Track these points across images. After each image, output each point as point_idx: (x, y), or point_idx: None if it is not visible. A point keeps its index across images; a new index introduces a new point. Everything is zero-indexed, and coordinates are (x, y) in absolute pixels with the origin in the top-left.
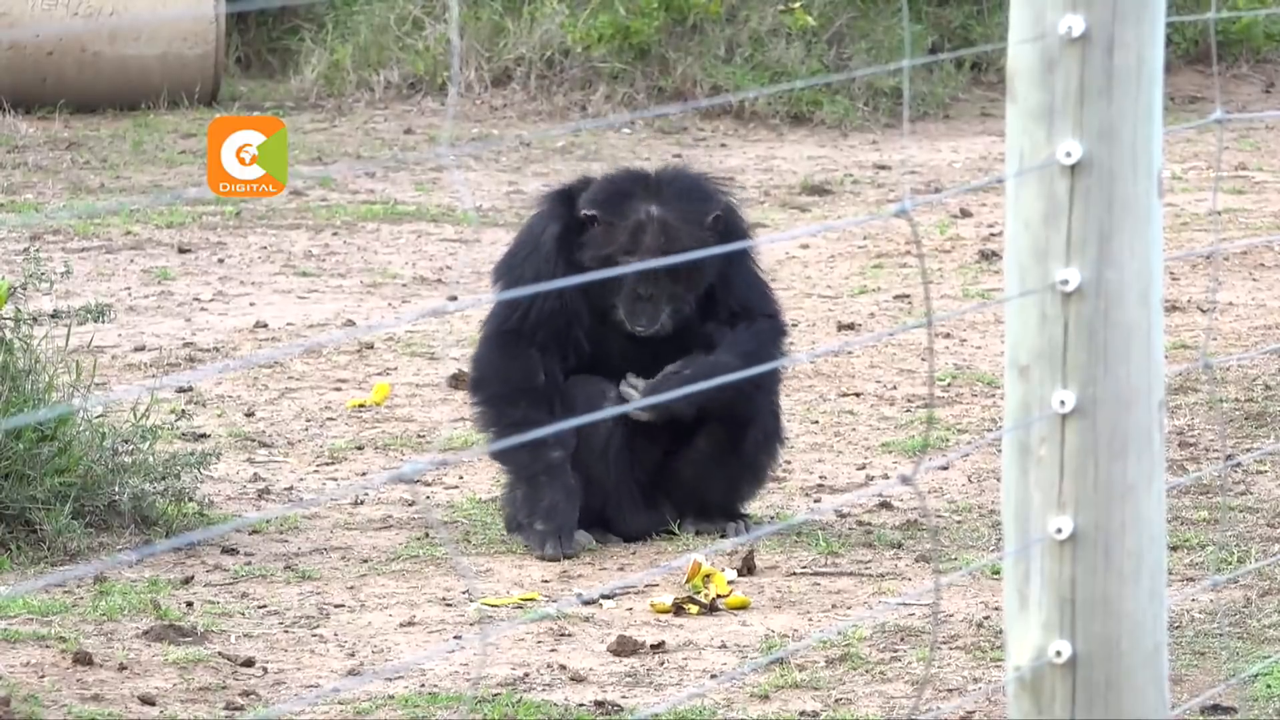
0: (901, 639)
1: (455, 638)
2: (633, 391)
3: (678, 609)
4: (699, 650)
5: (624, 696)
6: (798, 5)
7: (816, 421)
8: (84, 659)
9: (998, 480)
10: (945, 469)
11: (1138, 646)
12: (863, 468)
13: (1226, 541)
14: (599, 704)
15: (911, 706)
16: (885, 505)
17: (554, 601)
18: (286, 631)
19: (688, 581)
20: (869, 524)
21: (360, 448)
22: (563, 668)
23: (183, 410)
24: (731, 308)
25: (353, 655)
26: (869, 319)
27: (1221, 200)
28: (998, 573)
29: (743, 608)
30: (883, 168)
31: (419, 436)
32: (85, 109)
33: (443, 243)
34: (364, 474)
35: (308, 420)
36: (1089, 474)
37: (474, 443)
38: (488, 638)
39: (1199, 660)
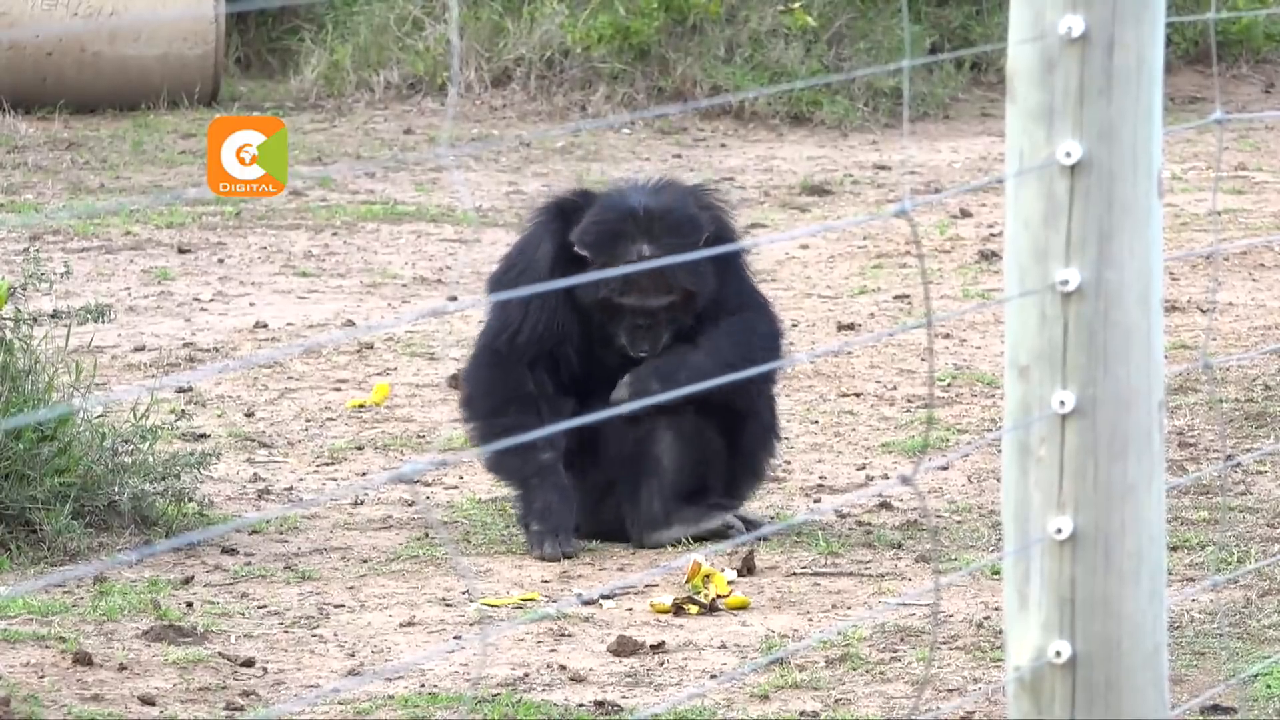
0: (901, 639)
1: (455, 638)
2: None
3: (678, 609)
4: (699, 650)
5: (624, 697)
6: (797, 5)
7: (816, 421)
8: (84, 659)
9: (998, 480)
10: (945, 469)
11: (1138, 647)
12: (863, 468)
13: (1226, 542)
14: (599, 704)
15: (911, 707)
16: (885, 505)
17: (554, 602)
18: (286, 632)
19: (688, 582)
20: (869, 524)
21: (360, 448)
22: (563, 668)
23: (183, 410)
24: (725, 315)
25: (353, 655)
26: (869, 319)
27: (1221, 200)
28: (998, 573)
29: (743, 608)
30: (883, 168)
31: (419, 437)
32: (85, 109)
33: (442, 243)
34: (364, 474)
35: (308, 420)
36: (1089, 474)
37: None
38: (488, 638)
39: (1199, 660)
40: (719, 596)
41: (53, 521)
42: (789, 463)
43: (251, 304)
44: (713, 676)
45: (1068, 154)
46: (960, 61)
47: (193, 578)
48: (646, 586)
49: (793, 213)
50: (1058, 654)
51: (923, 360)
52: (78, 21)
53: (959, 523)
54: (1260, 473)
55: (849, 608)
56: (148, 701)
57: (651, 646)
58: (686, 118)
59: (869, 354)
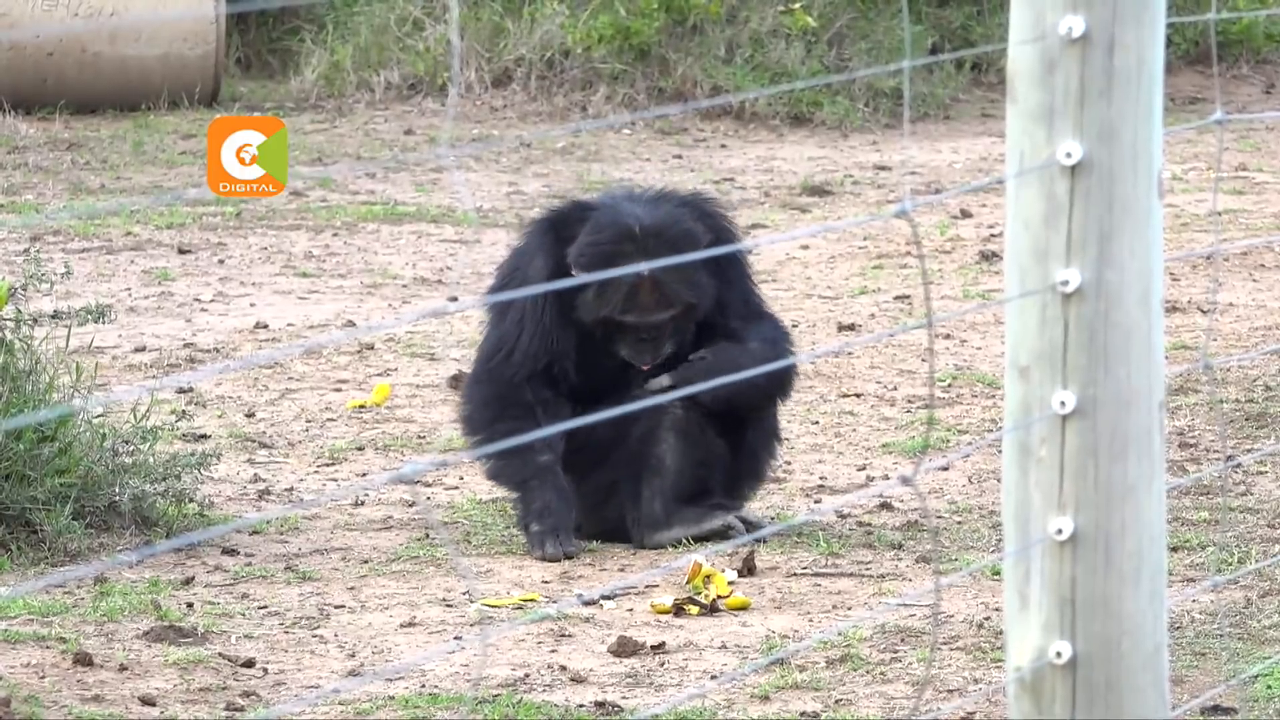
0: (902, 640)
1: (456, 638)
2: (660, 383)
3: (678, 610)
4: (699, 651)
5: (624, 697)
6: (798, 6)
7: (817, 422)
8: (84, 659)
9: (998, 481)
10: (945, 470)
11: (1138, 647)
12: (863, 468)
13: (1227, 542)
14: (599, 705)
15: (912, 707)
16: (886, 506)
17: (554, 602)
18: (287, 632)
19: (688, 582)
20: (869, 525)
21: (360, 448)
22: (563, 668)
23: (183, 411)
24: (731, 320)
25: (353, 656)
26: (869, 320)
27: (1222, 201)
28: (998, 573)
29: (743, 608)
30: (883, 168)
31: (419, 437)
32: (85, 110)
33: (443, 243)
34: (364, 475)
35: (308, 421)
36: (1089, 475)
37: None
38: (488, 638)
39: (1199, 661)
40: (719, 597)
41: (53, 522)
42: (789, 463)
43: (252, 304)
44: (713, 677)
45: (1068, 154)
46: (961, 62)
47: (193, 578)
48: (647, 587)
49: (793, 213)
50: (1058, 654)
51: (923, 361)
52: (78, 22)
53: (959, 523)
54: (1260, 473)
55: (849, 608)
56: (148, 702)
57: (652, 647)
58: (687, 118)
59: (869, 354)
